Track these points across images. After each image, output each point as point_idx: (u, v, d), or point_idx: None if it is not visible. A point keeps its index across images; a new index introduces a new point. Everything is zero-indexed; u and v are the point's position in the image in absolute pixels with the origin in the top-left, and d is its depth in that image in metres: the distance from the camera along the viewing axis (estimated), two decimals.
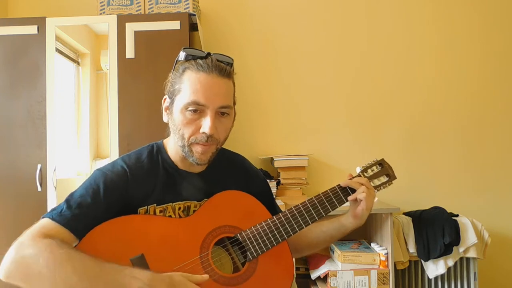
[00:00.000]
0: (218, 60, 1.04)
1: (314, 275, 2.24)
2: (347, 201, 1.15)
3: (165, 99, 1.09)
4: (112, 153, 2.22)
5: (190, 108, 1.00)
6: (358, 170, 1.23)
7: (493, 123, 2.68)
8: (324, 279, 2.22)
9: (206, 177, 1.12)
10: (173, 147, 1.09)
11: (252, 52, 2.70)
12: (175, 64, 1.07)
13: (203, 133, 1.00)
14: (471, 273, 2.30)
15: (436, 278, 2.31)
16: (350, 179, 1.18)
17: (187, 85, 1.01)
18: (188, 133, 1.01)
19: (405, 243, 2.29)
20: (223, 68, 1.03)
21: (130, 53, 2.23)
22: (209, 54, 1.05)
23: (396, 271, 2.29)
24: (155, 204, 1.04)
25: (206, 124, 1.00)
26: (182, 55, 1.05)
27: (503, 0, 2.70)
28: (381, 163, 1.25)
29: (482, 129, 2.68)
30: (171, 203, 1.05)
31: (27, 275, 0.85)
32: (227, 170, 1.18)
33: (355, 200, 1.13)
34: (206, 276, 0.93)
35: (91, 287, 0.84)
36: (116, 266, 0.87)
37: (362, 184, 1.13)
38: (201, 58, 1.03)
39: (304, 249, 1.26)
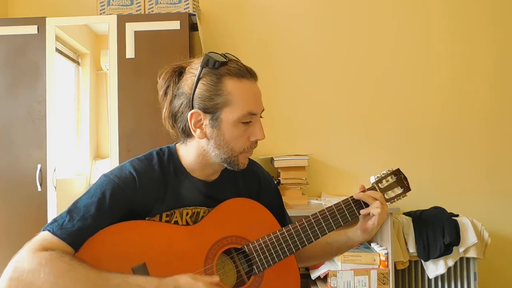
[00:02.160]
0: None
1: (314, 275, 2.24)
2: (359, 214, 1.10)
3: (193, 113, 0.97)
4: (112, 153, 2.21)
5: (244, 121, 0.98)
6: (372, 179, 1.16)
7: (493, 123, 2.68)
8: (324, 279, 2.22)
9: (218, 184, 1.09)
10: (192, 155, 1.03)
11: (252, 52, 2.69)
12: (200, 73, 0.97)
13: (255, 140, 1.01)
14: (471, 273, 2.30)
15: (436, 278, 2.31)
16: (363, 191, 1.12)
17: (237, 97, 0.96)
18: (240, 145, 0.99)
19: (405, 243, 2.29)
20: (253, 71, 1.01)
21: (130, 53, 2.23)
22: (226, 56, 1.00)
23: (396, 271, 2.29)
24: (163, 211, 1.00)
25: (259, 132, 1.00)
26: (210, 62, 0.96)
27: (504, 1, 2.71)
28: (396, 173, 1.18)
29: (482, 129, 2.68)
30: (178, 208, 1.02)
31: None
32: (240, 176, 1.14)
33: (367, 214, 1.08)
34: (216, 277, 0.90)
35: None
36: (120, 275, 0.85)
37: (376, 199, 1.08)
38: (225, 63, 0.98)
39: (308, 259, 1.23)
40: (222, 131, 0.98)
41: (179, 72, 1.03)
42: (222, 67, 0.97)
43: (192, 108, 0.98)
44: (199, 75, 0.97)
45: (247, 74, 0.99)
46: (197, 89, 0.97)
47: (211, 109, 0.97)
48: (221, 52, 1.03)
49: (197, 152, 1.03)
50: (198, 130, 0.99)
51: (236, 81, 0.97)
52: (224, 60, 0.98)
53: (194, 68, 0.99)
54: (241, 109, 0.97)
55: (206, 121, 0.98)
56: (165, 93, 1.03)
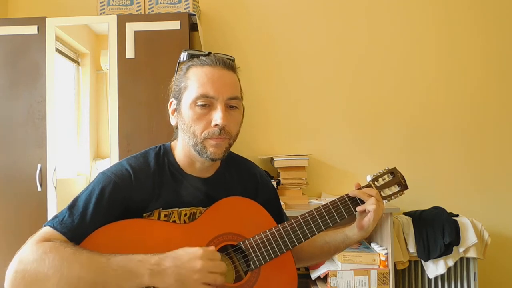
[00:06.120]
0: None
1: (314, 275, 2.24)
2: (355, 211, 1.10)
3: (171, 102, 1.07)
4: (112, 153, 2.22)
5: (199, 103, 0.98)
6: (368, 178, 1.18)
7: (493, 123, 2.68)
8: (324, 279, 2.22)
9: (213, 182, 1.10)
10: (181, 150, 1.07)
11: (252, 52, 2.70)
12: (178, 67, 1.06)
13: (215, 125, 0.98)
14: (471, 273, 2.30)
15: (436, 278, 2.31)
16: (359, 188, 1.13)
17: (193, 80, 1.00)
18: (200, 129, 0.99)
19: (405, 243, 2.29)
20: (226, 61, 1.03)
21: (130, 53, 2.23)
22: (210, 53, 1.05)
23: (396, 271, 2.29)
24: (160, 208, 1.02)
25: (217, 116, 0.98)
26: (183, 56, 1.05)
27: (503, 1, 2.71)
28: (393, 172, 1.19)
29: (482, 129, 2.68)
30: (177, 209, 1.03)
31: (35, 281, 0.83)
32: (236, 176, 1.15)
33: (363, 211, 1.09)
34: (212, 247, 0.92)
35: (100, 276, 0.84)
36: (122, 254, 0.88)
37: (372, 196, 1.09)
38: (198, 56, 1.05)
39: (307, 259, 1.23)
40: (182, 114, 1.02)
41: None
42: (196, 59, 1.04)
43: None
44: (176, 69, 1.05)
45: (213, 62, 1.02)
46: (172, 81, 1.07)
47: (177, 94, 1.04)
48: (222, 52, 1.09)
49: (182, 144, 1.06)
50: (172, 117, 1.07)
51: (199, 67, 1.02)
52: (201, 53, 1.04)
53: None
54: (195, 91, 0.99)
55: (174, 106, 1.06)
56: None
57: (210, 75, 1.00)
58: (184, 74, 1.03)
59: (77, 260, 0.85)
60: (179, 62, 1.07)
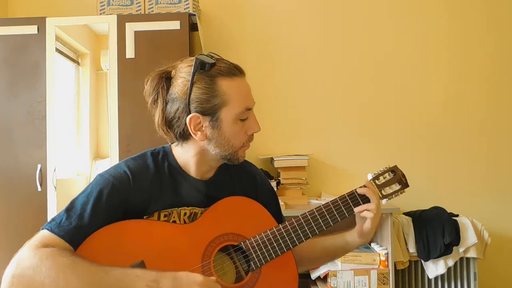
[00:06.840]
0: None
1: (314, 275, 2.24)
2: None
3: (192, 117, 0.98)
4: (112, 153, 2.21)
5: (242, 117, 1.01)
6: (369, 177, 1.16)
7: (493, 123, 2.68)
8: (324, 279, 2.22)
9: (213, 184, 1.09)
10: (188, 154, 1.05)
11: (252, 52, 2.70)
12: (193, 77, 0.97)
13: (253, 133, 1.04)
14: (471, 273, 2.31)
15: (436, 278, 2.31)
16: (361, 187, 1.11)
17: (231, 95, 0.98)
18: (240, 140, 1.02)
19: (405, 243, 2.29)
20: (241, 68, 1.04)
21: (130, 53, 2.23)
22: (211, 56, 1.02)
23: (396, 271, 2.29)
24: (160, 210, 1.01)
25: (255, 124, 1.04)
26: (202, 65, 0.97)
27: (506, 1, 2.70)
28: (394, 170, 1.17)
29: (482, 129, 2.68)
30: (176, 208, 1.03)
31: (31, 287, 0.84)
32: (236, 177, 1.15)
33: (362, 211, 1.07)
34: (213, 278, 0.92)
35: None
36: (119, 268, 0.87)
37: (372, 196, 1.07)
38: (214, 63, 0.99)
39: (306, 263, 1.23)
40: (222, 130, 1.00)
41: (166, 78, 1.04)
42: (213, 68, 0.98)
43: (190, 113, 0.98)
44: (193, 79, 0.97)
45: (237, 71, 1.01)
46: (192, 93, 0.98)
47: (210, 110, 0.98)
48: (222, 52, 1.06)
49: (195, 151, 1.04)
50: (198, 133, 1.00)
51: (229, 80, 0.99)
52: (213, 61, 0.99)
53: (184, 72, 1.00)
54: (238, 106, 0.99)
55: (206, 123, 0.99)
56: (155, 101, 1.06)
57: (244, 87, 1.02)
58: (213, 87, 0.97)
59: (74, 272, 0.85)
60: (195, 72, 0.97)
